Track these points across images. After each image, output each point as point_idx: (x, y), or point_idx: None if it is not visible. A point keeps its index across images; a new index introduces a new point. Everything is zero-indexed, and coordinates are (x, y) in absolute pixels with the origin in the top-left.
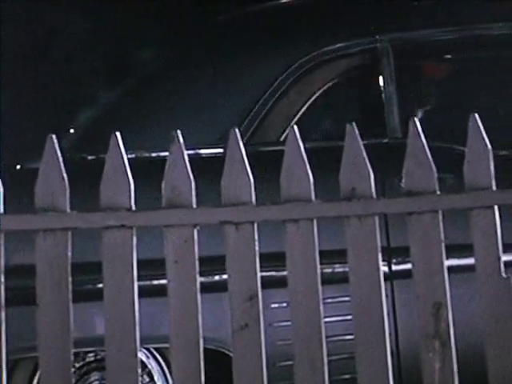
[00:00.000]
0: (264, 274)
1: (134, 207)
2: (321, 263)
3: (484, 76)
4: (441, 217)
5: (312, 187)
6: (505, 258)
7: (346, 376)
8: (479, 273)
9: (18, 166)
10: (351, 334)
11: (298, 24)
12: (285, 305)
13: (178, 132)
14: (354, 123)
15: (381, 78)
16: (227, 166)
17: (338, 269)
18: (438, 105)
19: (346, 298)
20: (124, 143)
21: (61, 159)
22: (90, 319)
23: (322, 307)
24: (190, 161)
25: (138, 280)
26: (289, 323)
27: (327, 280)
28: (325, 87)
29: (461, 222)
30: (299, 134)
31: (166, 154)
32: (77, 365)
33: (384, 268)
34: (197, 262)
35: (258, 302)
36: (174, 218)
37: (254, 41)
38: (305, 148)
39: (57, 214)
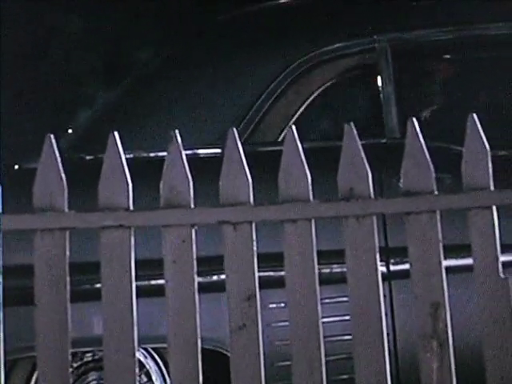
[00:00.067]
0: (262, 274)
1: (132, 207)
2: (319, 263)
3: (483, 76)
4: (439, 217)
5: (310, 187)
6: (503, 258)
7: (344, 376)
8: (477, 273)
9: (17, 166)
10: (349, 334)
11: (297, 24)
12: (283, 305)
13: (176, 132)
14: (352, 123)
15: (379, 78)
16: (225, 166)
17: (336, 269)
18: (437, 105)
19: (344, 299)
20: (122, 143)
21: (59, 159)
22: (87, 319)
23: (320, 307)
24: (188, 161)
25: (136, 280)
26: (287, 323)
27: (325, 280)
28: (323, 87)
29: (459, 222)
30: (297, 134)
31: (164, 153)
32: (75, 365)
33: (382, 268)
34: (195, 262)
35: (256, 302)
36: (172, 217)
37: (252, 41)
38: (303, 148)
39: (55, 213)
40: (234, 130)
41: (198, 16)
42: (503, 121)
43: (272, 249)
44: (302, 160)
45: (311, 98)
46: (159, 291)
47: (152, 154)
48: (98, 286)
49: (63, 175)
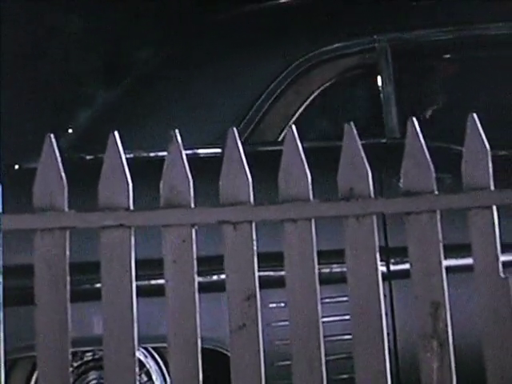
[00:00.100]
0: (262, 273)
1: (132, 207)
2: (319, 263)
3: (483, 76)
4: (439, 217)
5: (310, 187)
6: (503, 258)
7: (344, 376)
8: (477, 273)
9: (17, 166)
10: (349, 334)
11: (297, 24)
12: (283, 304)
13: (177, 132)
14: (352, 123)
15: (379, 78)
16: (225, 165)
17: (336, 269)
18: (437, 105)
19: (344, 298)
20: (122, 143)
21: (59, 159)
22: (88, 319)
23: (320, 307)
24: (188, 161)
25: (136, 280)
26: (287, 323)
27: (325, 280)
28: (323, 87)
29: (459, 221)
30: (297, 134)
31: (165, 153)
32: (75, 364)
33: (382, 268)
34: (195, 262)
35: (256, 301)
36: (172, 217)
37: (252, 40)
38: (303, 148)
39: (55, 213)
40: (234, 129)
41: (197, 16)
42: (503, 120)
43: (272, 248)
44: (302, 160)
45: (311, 98)
46: (159, 291)
47: (152, 154)
48: (98, 285)
49: (63, 175)
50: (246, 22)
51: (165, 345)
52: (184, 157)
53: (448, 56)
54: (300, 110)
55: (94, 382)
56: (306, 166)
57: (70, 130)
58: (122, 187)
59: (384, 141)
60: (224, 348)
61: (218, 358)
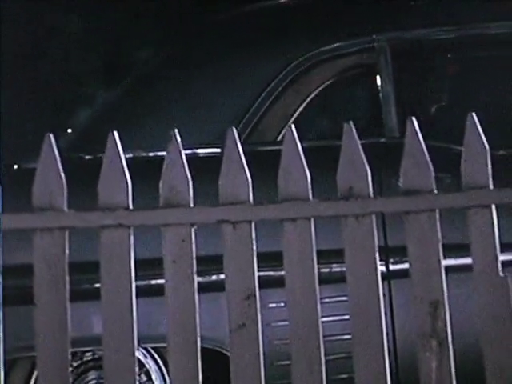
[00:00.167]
0: (261, 273)
1: (131, 206)
2: (318, 262)
3: (483, 75)
4: (438, 216)
5: (309, 186)
6: (502, 257)
7: (344, 375)
8: (476, 272)
9: (16, 166)
10: (348, 334)
11: (296, 23)
12: (282, 304)
13: (176, 132)
14: (351, 122)
15: (378, 78)
16: (225, 165)
17: (336, 268)
18: (436, 104)
19: (344, 298)
20: (122, 143)
21: (58, 159)
22: (87, 318)
23: (319, 307)
24: (187, 160)
25: (136, 279)
26: (286, 323)
27: (325, 279)
28: (322, 87)
29: (458, 221)
30: (297, 134)
31: (164, 153)
32: (74, 364)
33: (381, 267)
34: (194, 262)
35: (256, 301)
36: (172, 217)
37: (251, 40)
38: (302, 147)
39: (54, 213)
40: (234, 129)
41: (197, 16)
42: (502, 120)
43: (271, 248)
44: (301, 159)
45: (310, 98)
46: (159, 291)
47: (151, 154)
48: (98, 285)
49: (63, 175)
50: (246, 22)
51: (164, 345)
52: (183, 157)
53: (447, 55)
54: (299, 110)
55: (94, 381)
56: (306, 165)
57: (70, 130)
58: (122, 187)
59: (383, 140)
60: (224, 348)
61: (217, 358)
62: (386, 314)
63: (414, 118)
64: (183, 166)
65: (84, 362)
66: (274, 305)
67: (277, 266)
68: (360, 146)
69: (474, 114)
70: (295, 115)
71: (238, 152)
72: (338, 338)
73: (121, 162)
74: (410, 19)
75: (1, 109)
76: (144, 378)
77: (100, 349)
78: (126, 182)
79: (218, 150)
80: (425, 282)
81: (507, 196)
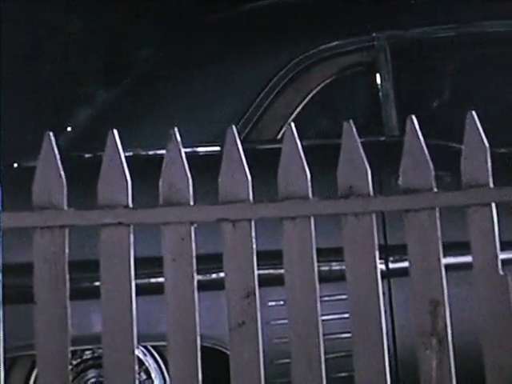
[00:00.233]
0: (261, 271)
1: (131, 205)
2: (318, 261)
3: (482, 73)
4: (438, 214)
5: (309, 185)
6: (502, 255)
7: (343, 374)
8: (476, 270)
9: (16, 165)
10: (348, 332)
11: (296, 22)
12: (282, 302)
13: (176, 130)
14: (351, 121)
15: (378, 76)
16: (224, 163)
17: (335, 267)
18: (436, 102)
19: (343, 296)
20: (121, 141)
21: (58, 157)
22: (87, 317)
23: (319, 305)
24: (187, 159)
25: (136, 278)
26: (286, 321)
27: (324, 278)
28: (322, 85)
29: (458, 219)
30: (296, 132)
31: (164, 151)
32: (74, 362)
33: (381, 266)
34: (194, 260)
35: (255, 299)
36: (171, 215)
37: (251, 39)
38: (302, 146)
39: (54, 211)
40: (233, 127)
41: (197, 15)
42: (502, 118)
43: (271, 246)
44: (301, 157)
45: (310, 96)
46: (158, 289)
47: (151, 152)
48: (98, 283)
49: (62, 173)
50: (246, 21)
51: (164, 343)
52: (183, 155)
53: (447, 54)
54: (299, 108)
55: (94, 380)
56: (305, 163)
57: (69, 128)
58: (121, 185)
59: (383, 139)
60: (223, 346)
61: (217, 356)
62: (385, 312)
63: (413, 117)
64: (183, 165)
65: (84, 361)
66: (273, 303)
67: (276, 264)
68: (360, 145)
69: (473, 112)
70: (295, 113)
71: (238, 150)
72: (338, 336)
73: (120, 160)
74: (409, 18)
75: (1, 108)
76: (143, 377)
77: (100, 347)
78: (126, 181)
79: (218, 149)
80: (425, 281)
81: (507, 194)
